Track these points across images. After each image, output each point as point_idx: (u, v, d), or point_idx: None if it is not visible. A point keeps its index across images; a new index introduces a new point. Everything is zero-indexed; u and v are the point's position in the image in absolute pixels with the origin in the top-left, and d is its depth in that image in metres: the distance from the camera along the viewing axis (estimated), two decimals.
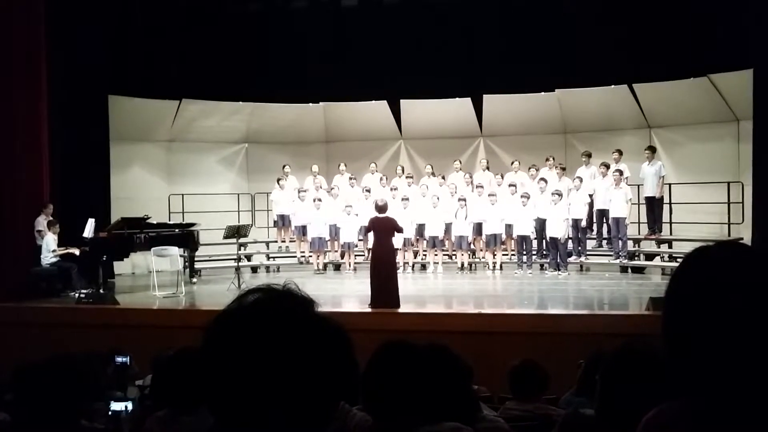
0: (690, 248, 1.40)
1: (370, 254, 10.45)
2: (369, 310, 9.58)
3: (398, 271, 13.51)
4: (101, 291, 11.11)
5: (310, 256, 14.64)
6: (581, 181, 13.49)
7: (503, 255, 13.98)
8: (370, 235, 10.25)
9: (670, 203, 13.73)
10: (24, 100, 11.71)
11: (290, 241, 15.26)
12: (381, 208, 10.06)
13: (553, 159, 14.45)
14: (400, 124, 16.47)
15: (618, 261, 13.17)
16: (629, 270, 13.13)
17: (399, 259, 13.89)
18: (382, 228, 9.87)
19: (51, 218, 11.79)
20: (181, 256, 13.04)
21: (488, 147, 16.38)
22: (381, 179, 15.06)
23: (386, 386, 2.39)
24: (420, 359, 2.48)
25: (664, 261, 13.23)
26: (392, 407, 2.37)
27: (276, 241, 15.60)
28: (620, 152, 13.71)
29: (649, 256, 13.63)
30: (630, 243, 13.46)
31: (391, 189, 14.57)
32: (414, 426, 2.34)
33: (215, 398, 1.23)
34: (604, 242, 13.93)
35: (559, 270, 13.07)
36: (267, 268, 15.08)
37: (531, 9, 14.95)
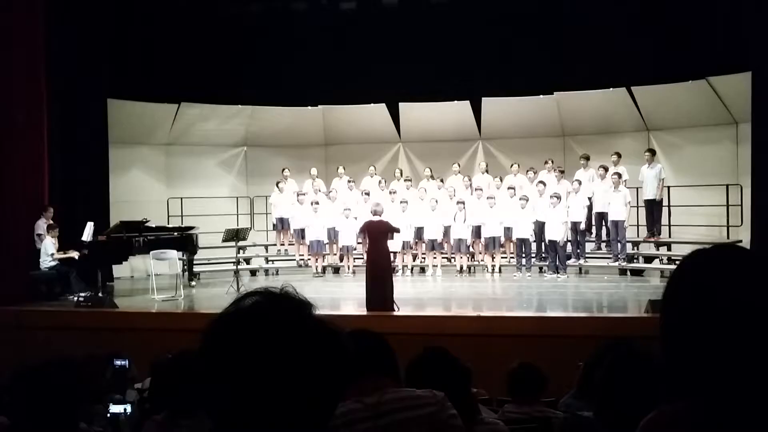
0: (689, 251, 1.40)
1: (366, 257, 10.47)
2: (366, 313, 9.59)
3: (397, 274, 13.60)
4: (100, 294, 11.09)
5: (309, 259, 14.64)
6: (580, 183, 13.50)
7: (502, 258, 13.97)
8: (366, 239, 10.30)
9: (669, 206, 13.74)
10: (24, 103, 11.70)
11: (289, 244, 15.26)
12: (375, 212, 10.13)
13: (552, 162, 14.45)
14: (398, 127, 16.47)
15: (617, 263, 13.18)
16: (628, 272, 13.14)
17: (398, 262, 13.96)
18: (377, 231, 9.89)
19: (51, 222, 11.78)
20: (180, 259, 13.03)
21: (487, 150, 16.39)
22: (380, 182, 15.06)
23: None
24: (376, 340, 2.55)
25: (663, 263, 13.22)
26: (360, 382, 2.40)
27: (275, 245, 15.60)
28: (619, 155, 13.74)
29: (648, 259, 13.63)
30: (629, 245, 13.47)
31: (390, 192, 14.58)
32: (382, 395, 2.37)
33: (213, 401, 1.23)
34: (603, 245, 13.93)
35: (558, 273, 13.07)
36: (266, 271, 15.07)
37: (529, 12, 14.95)
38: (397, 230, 10.30)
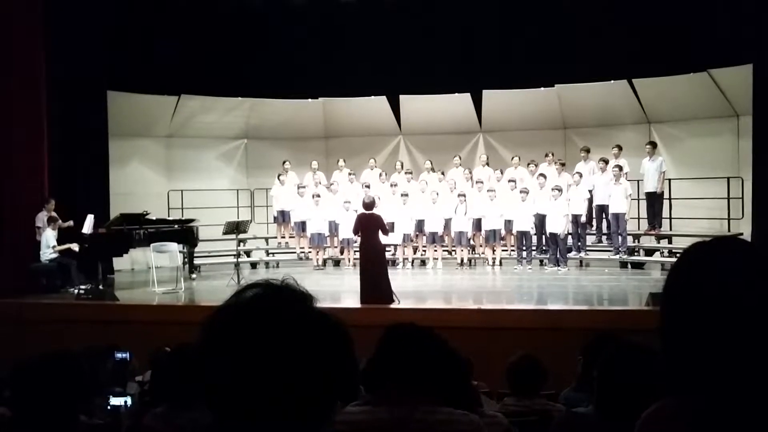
0: (689, 244, 1.40)
1: (359, 251, 10.41)
2: (368, 306, 9.57)
3: (398, 266, 13.65)
4: (100, 287, 11.10)
5: (310, 252, 14.65)
6: (581, 176, 13.48)
7: (503, 250, 13.97)
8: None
9: (669, 198, 13.73)
10: (24, 96, 11.68)
11: (290, 237, 15.26)
12: (367, 205, 10.05)
13: (553, 154, 14.44)
14: (399, 119, 16.45)
15: (618, 256, 13.18)
16: (629, 265, 13.14)
17: (398, 254, 13.99)
18: (369, 225, 9.84)
19: (53, 214, 11.77)
20: (180, 252, 13.03)
21: (488, 142, 16.37)
22: (380, 175, 15.06)
23: (394, 368, 2.38)
24: (427, 339, 2.50)
25: (663, 256, 13.23)
26: (394, 389, 2.37)
27: (275, 237, 15.61)
28: (620, 147, 13.72)
29: (649, 252, 13.64)
30: (630, 238, 13.47)
31: (391, 185, 14.58)
32: (413, 411, 2.34)
33: (213, 394, 1.22)
34: (604, 238, 13.94)
35: (558, 265, 13.07)
36: (266, 264, 15.09)
37: (530, 4, 14.91)
38: (386, 233, 10.10)
